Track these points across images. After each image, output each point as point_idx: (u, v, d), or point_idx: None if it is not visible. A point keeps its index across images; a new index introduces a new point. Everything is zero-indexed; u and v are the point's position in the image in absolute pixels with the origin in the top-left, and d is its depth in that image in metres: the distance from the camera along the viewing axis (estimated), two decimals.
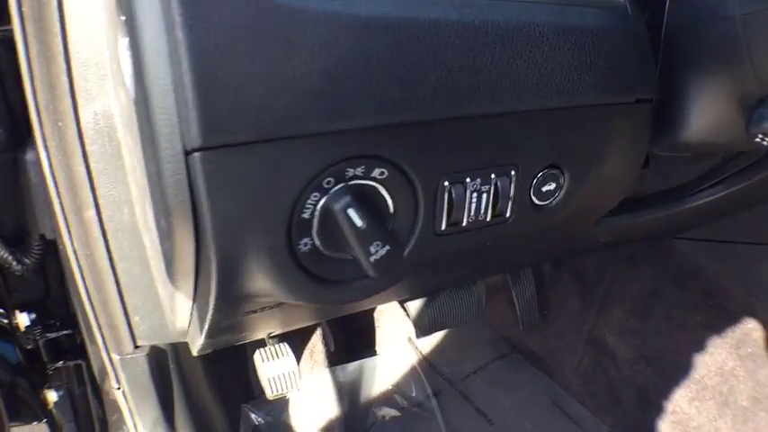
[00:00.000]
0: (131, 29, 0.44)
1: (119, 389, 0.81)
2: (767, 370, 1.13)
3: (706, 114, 0.65)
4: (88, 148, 0.59)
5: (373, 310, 1.57)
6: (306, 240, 0.53)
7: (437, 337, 1.56)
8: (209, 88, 0.43)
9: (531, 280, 1.39)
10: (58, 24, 0.54)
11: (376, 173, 0.52)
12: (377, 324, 1.59)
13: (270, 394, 1.01)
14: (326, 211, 0.51)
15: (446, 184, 0.55)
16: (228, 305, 0.59)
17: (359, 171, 0.51)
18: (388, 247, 0.53)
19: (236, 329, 0.72)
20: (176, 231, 0.53)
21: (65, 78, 0.56)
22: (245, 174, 0.47)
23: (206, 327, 0.61)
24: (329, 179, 0.50)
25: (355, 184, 0.52)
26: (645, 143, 0.68)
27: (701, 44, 0.63)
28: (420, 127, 0.51)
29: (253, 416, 1.33)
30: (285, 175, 0.48)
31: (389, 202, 0.54)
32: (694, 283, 1.24)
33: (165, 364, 0.84)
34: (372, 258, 0.53)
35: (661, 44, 0.66)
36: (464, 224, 0.58)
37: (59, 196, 0.64)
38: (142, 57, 0.44)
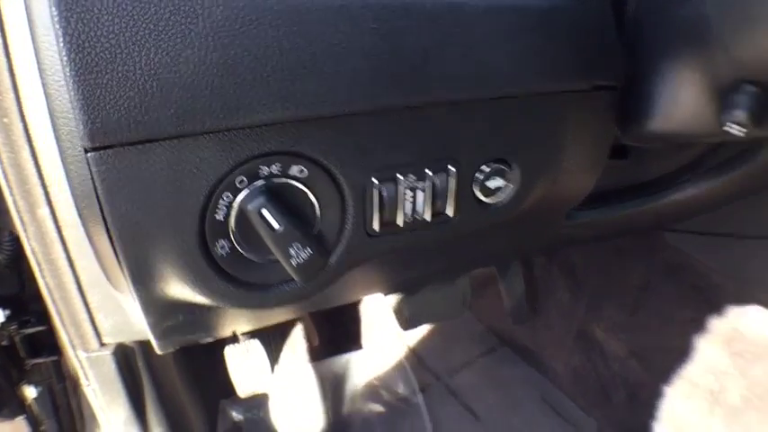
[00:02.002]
0: (29, 20, 0.42)
1: (89, 386, 0.79)
2: (759, 368, 1.08)
3: (674, 102, 0.60)
4: (36, 144, 0.56)
5: (359, 302, 1.54)
6: (222, 243, 0.49)
7: (425, 329, 1.54)
8: (93, 83, 0.39)
9: (520, 273, 1.35)
10: None
11: (294, 171, 0.48)
12: (363, 317, 1.56)
13: (241, 392, 0.98)
14: (241, 212, 0.47)
15: (375, 181, 0.51)
16: (159, 308, 0.56)
17: (274, 169, 0.47)
18: (309, 250, 0.49)
19: (188, 329, 0.68)
20: (92, 235, 0.51)
21: (6, 74, 0.53)
22: (146, 174, 0.43)
23: (149, 328, 0.58)
24: (241, 178, 0.46)
25: (273, 183, 0.48)
26: (609, 134, 0.63)
27: (669, 24, 0.58)
28: (339, 120, 0.47)
29: (232, 412, 1.30)
30: (190, 176, 0.44)
31: (315, 202, 0.50)
32: (684, 277, 1.18)
33: (133, 362, 0.82)
34: (294, 262, 0.49)
35: (625, 25, 0.61)
36: (401, 224, 0.54)
37: (12, 194, 0.62)
38: (38, 49, 0.42)
